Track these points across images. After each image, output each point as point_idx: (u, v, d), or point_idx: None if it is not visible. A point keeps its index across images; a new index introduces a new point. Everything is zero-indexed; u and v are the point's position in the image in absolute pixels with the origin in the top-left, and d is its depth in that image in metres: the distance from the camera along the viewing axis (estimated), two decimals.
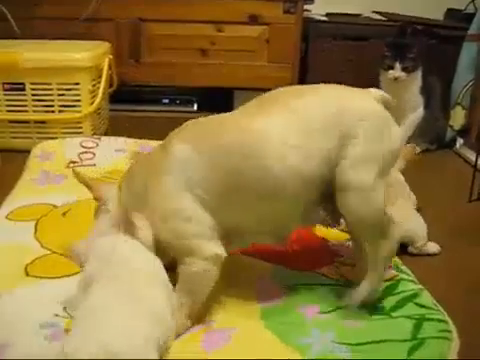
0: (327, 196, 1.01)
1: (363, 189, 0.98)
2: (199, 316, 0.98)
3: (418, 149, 1.73)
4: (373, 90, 1.07)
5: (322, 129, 0.97)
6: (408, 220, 1.28)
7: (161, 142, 1.02)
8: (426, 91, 2.06)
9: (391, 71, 1.98)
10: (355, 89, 1.05)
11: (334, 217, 1.07)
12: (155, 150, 1.02)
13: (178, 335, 0.93)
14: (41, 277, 1.06)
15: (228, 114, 1.03)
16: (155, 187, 0.96)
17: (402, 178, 1.41)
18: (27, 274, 1.07)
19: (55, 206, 1.39)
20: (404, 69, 1.97)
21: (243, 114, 1.01)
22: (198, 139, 0.97)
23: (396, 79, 1.97)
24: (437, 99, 2.10)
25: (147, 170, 0.99)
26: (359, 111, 1.00)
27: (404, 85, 1.99)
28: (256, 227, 1.01)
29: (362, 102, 1.02)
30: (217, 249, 0.95)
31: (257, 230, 1.01)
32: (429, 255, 1.30)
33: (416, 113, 1.99)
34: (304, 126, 0.97)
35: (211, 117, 1.03)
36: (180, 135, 0.99)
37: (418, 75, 2.01)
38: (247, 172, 0.95)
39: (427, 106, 2.04)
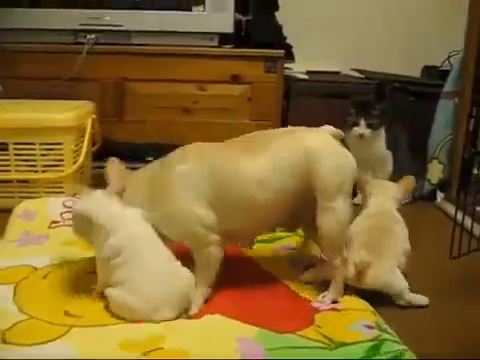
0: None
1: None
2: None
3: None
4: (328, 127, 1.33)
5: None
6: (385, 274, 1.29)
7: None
8: (396, 144, 2.08)
9: (356, 128, 1.97)
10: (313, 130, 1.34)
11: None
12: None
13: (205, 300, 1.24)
14: (19, 344, 1.04)
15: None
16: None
17: (398, 229, 1.41)
18: (4, 341, 1.05)
19: (35, 268, 1.37)
20: (368, 126, 1.96)
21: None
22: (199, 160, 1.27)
23: (361, 136, 1.96)
24: (407, 152, 2.12)
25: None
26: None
27: (369, 142, 1.98)
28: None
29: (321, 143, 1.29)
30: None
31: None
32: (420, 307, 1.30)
33: (385, 172, 2.01)
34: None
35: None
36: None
37: (382, 133, 2.01)
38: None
39: (396, 159, 2.06)
